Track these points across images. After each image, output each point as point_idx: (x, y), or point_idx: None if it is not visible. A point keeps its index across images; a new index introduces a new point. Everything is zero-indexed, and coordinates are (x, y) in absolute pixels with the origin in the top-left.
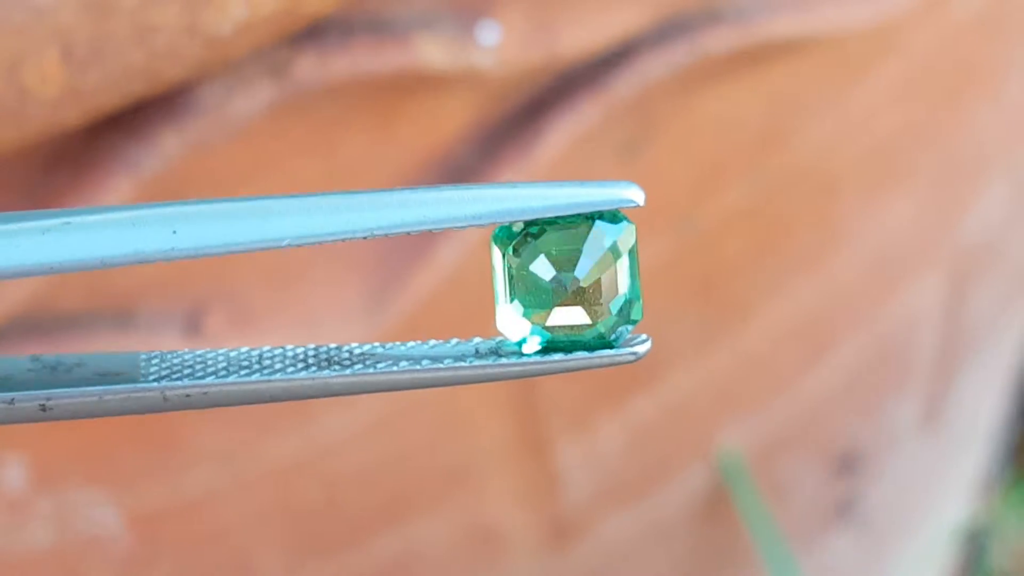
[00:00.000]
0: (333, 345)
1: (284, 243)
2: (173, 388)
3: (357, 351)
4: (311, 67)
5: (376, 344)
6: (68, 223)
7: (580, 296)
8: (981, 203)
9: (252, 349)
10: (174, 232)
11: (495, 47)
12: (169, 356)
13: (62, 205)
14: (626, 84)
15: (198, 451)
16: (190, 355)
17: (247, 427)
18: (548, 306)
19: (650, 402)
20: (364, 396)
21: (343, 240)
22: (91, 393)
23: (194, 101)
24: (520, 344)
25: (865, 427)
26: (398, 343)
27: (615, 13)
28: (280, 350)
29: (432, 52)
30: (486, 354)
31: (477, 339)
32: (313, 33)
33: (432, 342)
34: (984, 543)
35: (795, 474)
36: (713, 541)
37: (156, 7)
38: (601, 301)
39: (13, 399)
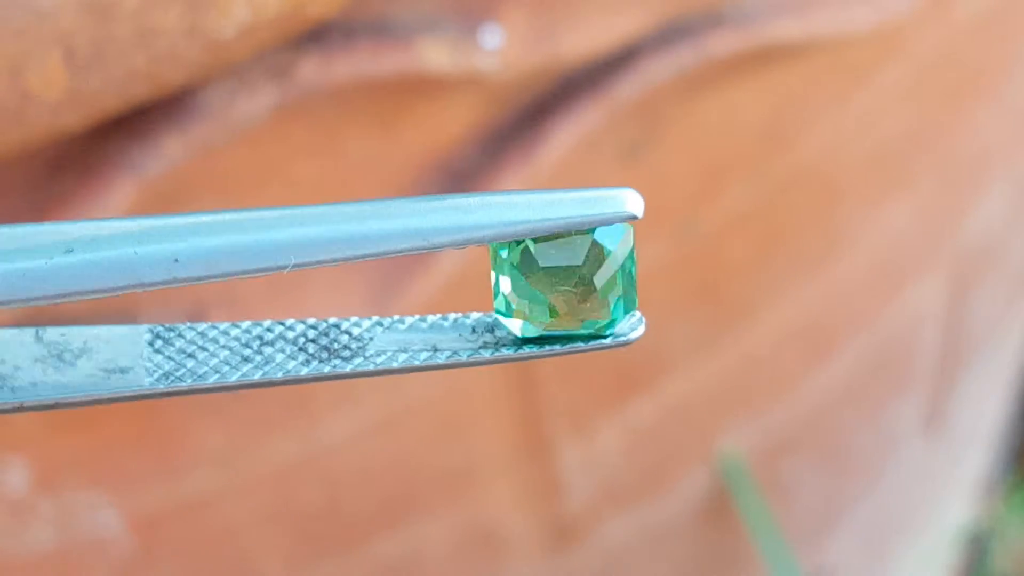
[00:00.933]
0: (332, 320)
1: (287, 268)
2: (177, 388)
3: (355, 331)
4: (314, 70)
5: (375, 321)
6: (71, 250)
7: (578, 302)
8: (983, 205)
9: (253, 325)
10: (176, 260)
11: (498, 50)
12: (172, 337)
13: (65, 209)
14: (629, 87)
15: (199, 452)
16: (191, 333)
17: (248, 428)
18: (546, 309)
19: (651, 405)
20: (366, 397)
21: (345, 262)
22: (96, 395)
23: (197, 104)
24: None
25: (867, 430)
26: (397, 318)
27: (618, 16)
28: (280, 328)
29: (435, 55)
30: (482, 332)
31: (475, 315)
32: (316, 36)
33: (431, 318)
34: (986, 546)
35: (797, 477)
36: (715, 544)
37: (158, 10)
38: (599, 305)
39: (23, 404)
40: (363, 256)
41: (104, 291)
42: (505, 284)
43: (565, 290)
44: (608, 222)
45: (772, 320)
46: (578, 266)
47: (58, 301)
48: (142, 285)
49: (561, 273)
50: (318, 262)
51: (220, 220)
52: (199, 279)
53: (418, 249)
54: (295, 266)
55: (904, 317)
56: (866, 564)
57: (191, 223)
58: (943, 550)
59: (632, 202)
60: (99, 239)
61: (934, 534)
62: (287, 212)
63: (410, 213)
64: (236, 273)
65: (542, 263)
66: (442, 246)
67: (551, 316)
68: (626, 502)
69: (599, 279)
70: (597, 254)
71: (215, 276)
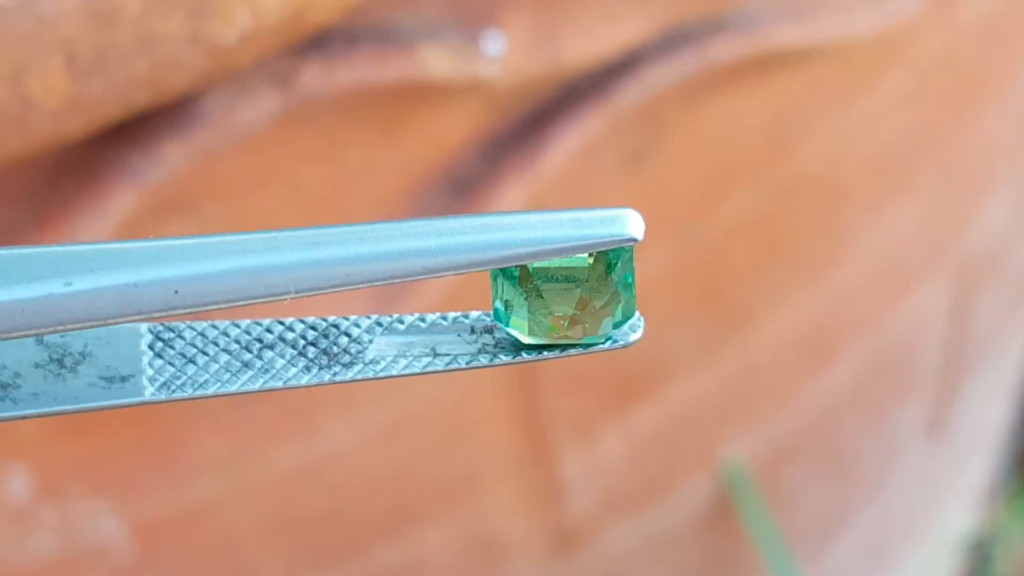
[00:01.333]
0: (332, 320)
1: (288, 297)
2: (178, 397)
3: (354, 332)
4: (316, 77)
5: (374, 320)
6: (70, 283)
7: (578, 319)
8: (987, 211)
9: (252, 324)
10: (176, 292)
11: (500, 57)
12: (172, 338)
13: (67, 215)
14: (631, 93)
15: (201, 460)
16: (191, 333)
17: (250, 436)
18: (545, 326)
19: (654, 412)
20: (368, 405)
21: (343, 289)
22: (96, 407)
23: (198, 111)
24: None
25: (869, 436)
26: (396, 318)
27: (620, 22)
28: (280, 328)
29: (437, 62)
30: (481, 332)
31: (474, 314)
32: (318, 43)
33: (430, 318)
34: (988, 552)
35: (800, 483)
36: (717, 551)
37: (160, 16)
38: (598, 320)
39: (24, 416)
40: (361, 284)
41: (103, 321)
42: (504, 301)
43: (564, 310)
44: (608, 245)
45: (775, 326)
46: (577, 287)
47: (58, 331)
48: (141, 315)
49: (560, 293)
50: (318, 289)
51: (219, 246)
52: (199, 308)
53: (420, 275)
54: (296, 294)
55: (907, 323)
56: (868, 570)
57: (190, 250)
58: (945, 556)
59: (633, 224)
60: (98, 270)
61: (936, 540)
62: (287, 236)
63: (411, 236)
64: (237, 301)
65: (541, 284)
66: (440, 272)
67: (550, 331)
68: (628, 509)
69: (599, 300)
70: (597, 275)
71: (215, 305)
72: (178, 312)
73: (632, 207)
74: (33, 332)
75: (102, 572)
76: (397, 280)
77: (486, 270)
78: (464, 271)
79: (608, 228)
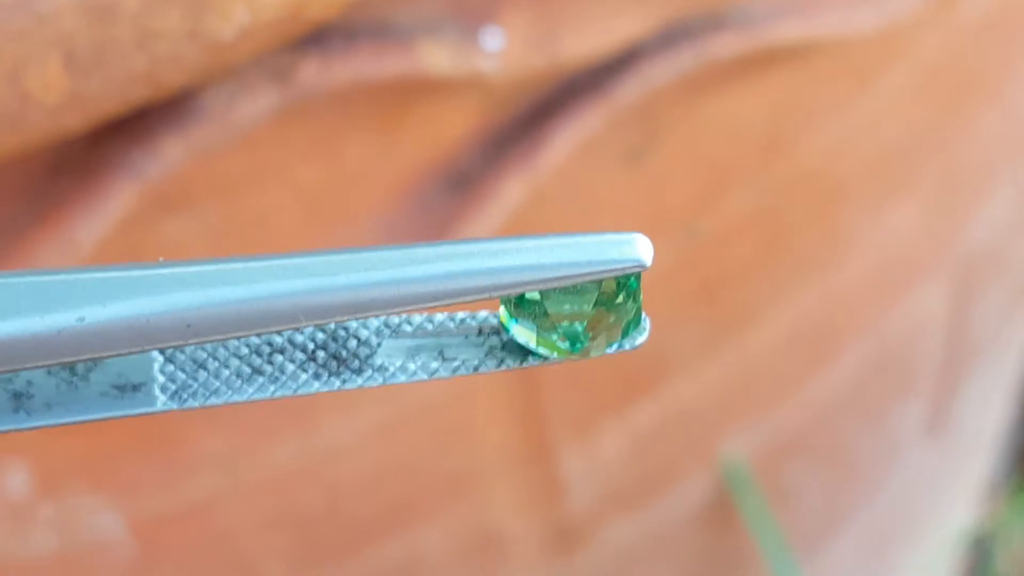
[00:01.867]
0: (340, 321)
1: (299, 327)
2: (189, 406)
3: (363, 334)
4: (314, 73)
5: (382, 322)
6: (82, 319)
7: (585, 340)
8: (987, 209)
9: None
10: (188, 326)
11: (499, 52)
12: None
13: (65, 212)
14: (630, 90)
15: (201, 457)
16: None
17: (250, 433)
18: (552, 348)
19: (654, 409)
20: (367, 402)
21: (352, 319)
22: (108, 417)
23: (197, 107)
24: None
25: (869, 434)
26: (404, 318)
27: (619, 19)
28: (288, 331)
29: (436, 57)
30: (489, 334)
31: (481, 314)
32: (317, 38)
33: (438, 318)
34: (989, 549)
35: (799, 481)
36: (717, 548)
37: (158, 12)
38: (605, 340)
39: (40, 427)
40: (370, 313)
41: (115, 352)
42: (511, 319)
43: (573, 329)
44: (616, 273)
45: (775, 324)
46: (585, 313)
47: (70, 363)
48: (153, 346)
49: (569, 315)
50: (328, 319)
51: (230, 275)
52: (211, 340)
53: (428, 303)
54: (306, 323)
55: (907, 321)
56: (868, 567)
57: (201, 279)
58: (946, 553)
59: (642, 249)
60: (110, 303)
61: (937, 537)
62: (295, 263)
63: (420, 262)
64: (248, 332)
65: (550, 310)
66: (447, 300)
67: (558, 350)
68: (628, 506)
69: (608, 319)
70: (607, 296)
71: (227, 335)
72: (192, 343)
73: (631, 204)
74: (45, 364)
75: (101, 569)
76: (404, 309)
77: (494, 298)
78: (469, 299)
79: (617, 254)
